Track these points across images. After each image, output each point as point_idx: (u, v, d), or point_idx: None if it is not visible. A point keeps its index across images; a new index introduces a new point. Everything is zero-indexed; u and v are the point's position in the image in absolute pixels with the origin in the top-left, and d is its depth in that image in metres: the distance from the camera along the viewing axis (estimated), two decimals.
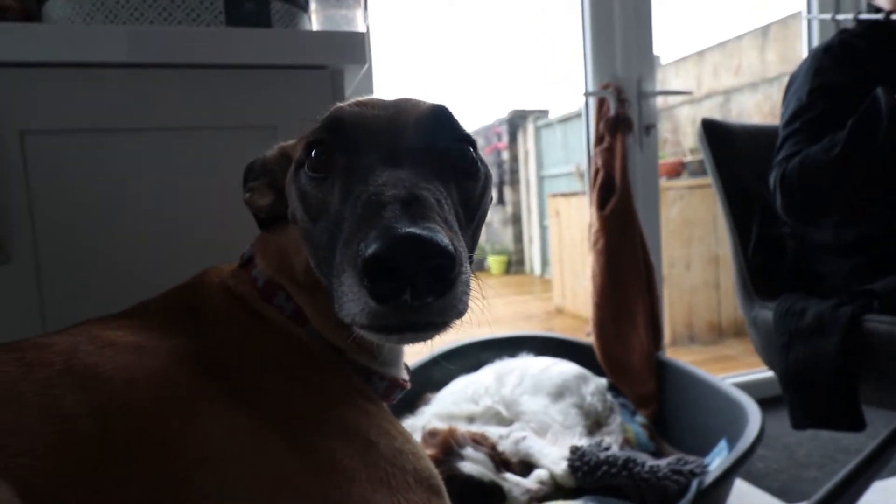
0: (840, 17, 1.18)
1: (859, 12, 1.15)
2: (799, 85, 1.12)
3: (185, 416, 0.50)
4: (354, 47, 0.91)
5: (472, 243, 0.59)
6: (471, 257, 0.57)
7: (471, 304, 0.47)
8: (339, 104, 0.58)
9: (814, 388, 0.95)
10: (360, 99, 0.59)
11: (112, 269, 0.85)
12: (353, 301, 0.42)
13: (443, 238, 0.40)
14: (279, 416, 0.53)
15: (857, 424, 0.92)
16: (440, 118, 0.56)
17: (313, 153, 0.55)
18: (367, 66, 0.96)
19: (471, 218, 0.57)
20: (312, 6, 1.07)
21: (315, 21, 1.08)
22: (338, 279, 0.45)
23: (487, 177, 0.60)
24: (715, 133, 1.31)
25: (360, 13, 1.11)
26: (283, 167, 0.65)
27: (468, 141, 0.57)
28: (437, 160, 0.53)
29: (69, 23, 0.87)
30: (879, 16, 1.10)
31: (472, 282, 0.47)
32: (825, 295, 1.04)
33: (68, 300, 0.83)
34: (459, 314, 0.45)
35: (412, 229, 0.39)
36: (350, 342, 0.59)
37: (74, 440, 0.46)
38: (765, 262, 1.19)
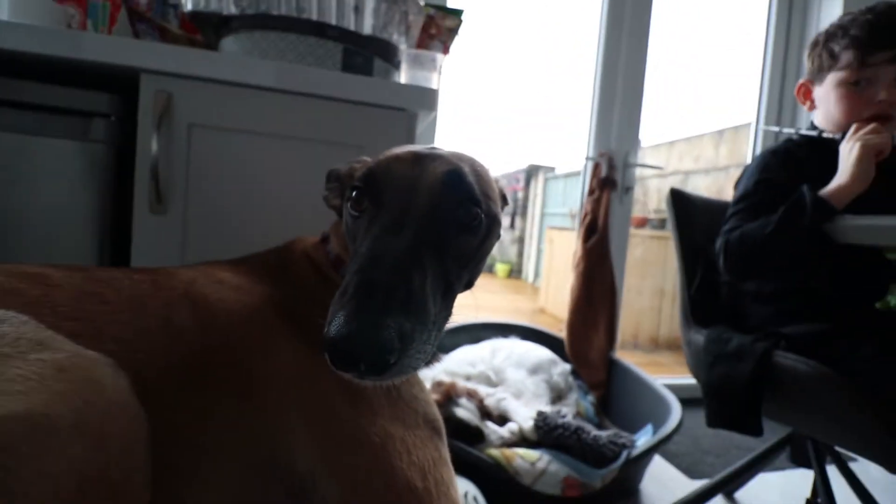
0: (785, 130, 1.12)
1: (798, 129, 1.10)
2: (749, 175, 1.08)
3: (265, 343, 0.49)
4: (428, 98, 0.90)
5: (471, 277, 0.54)
6: (469, 282, 0.54)
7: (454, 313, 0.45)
8: (382, 156, 0.53)
9: (728, 400, 0.91)
10: (403, 150, 0.53)
11: (237, 230, 0.85)
12: (324, 347, 0.38)
13: (388, 336, 0.36)
14: None
15: (756, 431, 0.87)
16: (453, 181, 0.49)
17: (354, 194, 0.51)
18: (434, 113, 0.94)
19: (465, 263, 0.50)
20: (403, 66, 1.07)
21: (404, 76, 1.08)
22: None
23: (490, 227, 0.52)
24: (679, 199, 1.27)
25: (436, 75, 1.10)
26: (349, 182, 0.61)
27: (475, 202, 0.49)
28: (441, 220, 0.47)
29: (237, 55, 0.88)
30: (815, 133, 1.05)
31: (426, 345, 0.41)
32: (746, 331, 0.99)
33: (204, 249, 0.84)
34: (406, 374, 0.40)
35: (353, 328, 0.36)
36: None
37: (181, 346, 0.45)
38: (703, 298, 1.14)
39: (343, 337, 0.36)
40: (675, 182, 4.76)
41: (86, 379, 0.33)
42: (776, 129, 1.26)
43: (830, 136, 1.02)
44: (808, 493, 1.26)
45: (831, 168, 0.93)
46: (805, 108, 1.12)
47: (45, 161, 0.75)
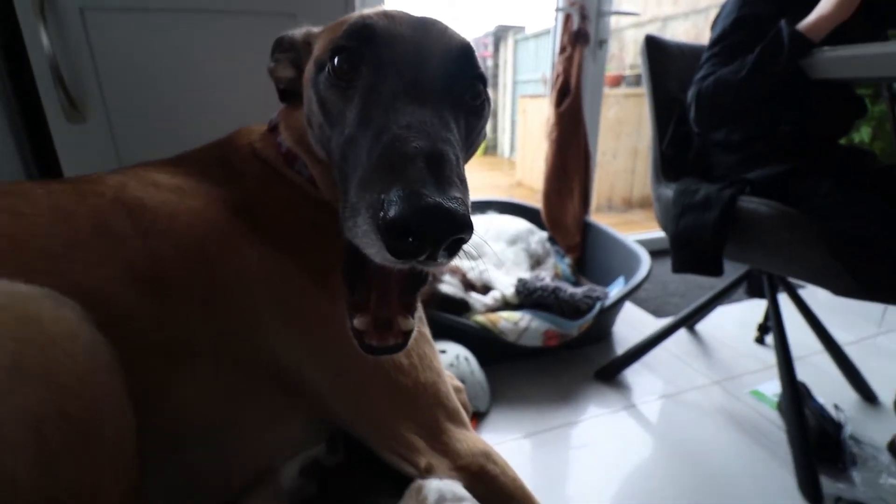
0: None
1: None
2: (726, 14, 0.97)
3: (221, 244, 0.45)
4: None
5: (466, 161, 0.48)
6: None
7: None
8: (365, 11, 0.43)
9: (693, 246, 0.93)
10: (387, 10, 0.43)
11: (171, 128, 0.76)
12: (366, 240, 0.32)
13: (465, 212, 0.30)
14: (301, 251, 0.48)
15: (718, 271, 0.92)
16: (464, 54, 0.42)
17: (337, 60, 0.41)
18: None
19: (469, 146, 0.45)
20: None
21: None
22: (352, 211, 0.33)
23: (489, 112, 0.47)
24: (654, 47, 1.17)
25: None
26: (306, 51, 0.51)
27: (482, 80, 0.44)
28: (455, 97, 0.41)
29: None
30: None
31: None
32: (714, 181, 0.98)
33: (138, 151, 0.74)
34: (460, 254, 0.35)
35: (440, 200, 0.29)
36: None
37: (125, 254, 0.41)
38: (674, 153, 1.12)
39: (420, 212, 0.28)
40: (652, 29, 4.38)
41: (19, 317, 0.30)
42: None
43: None
44: (760, 319, 1.40)
45: None
46: None
47: None
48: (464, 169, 0.38)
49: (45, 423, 0.28)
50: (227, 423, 0.46)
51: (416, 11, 0.45)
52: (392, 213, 0.29)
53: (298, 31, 0.53)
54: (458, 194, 0.31)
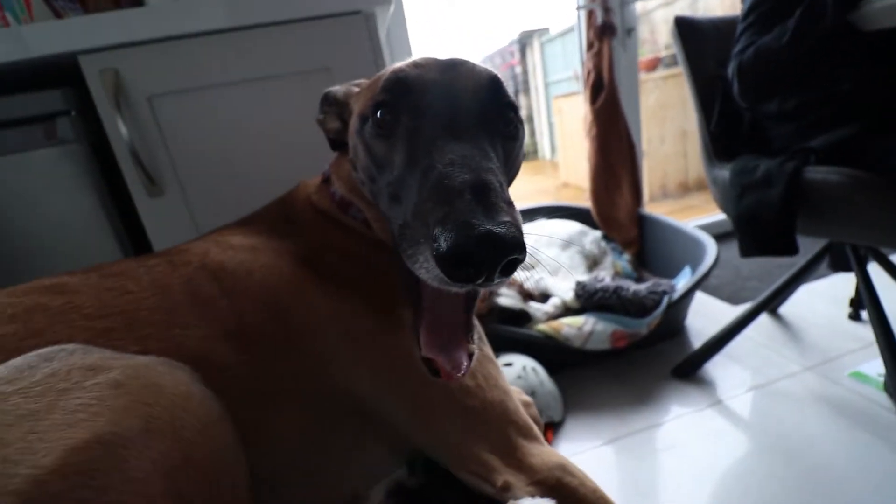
0: None
1: None
2: None
3: (291, 294, 0.50)
4: None
5: (510, 182, 0.50)
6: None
7: None
8: (397, 65, 0.47)
9: (759, 227, 0.88)
10: (416, 60, 0.48)
11: (238, 188, 0.83)
12: (425, 269, 0.35)
13: (516, 233, 0.32)
14: (362, 291, 0.52)
15: (792, 250, 0.85)
16: (492, 87, 0.45)
17: (379, 112, 0.45)
18: (392, 7, 0.84)
19: (510, 170, 0.48)
20: None
21: None
22: (409, 243, 0.36)
23: (524, 134, 0.50)
24: (686, 27, 1.12)
25: None
26: (348, 106, 0.56)
27: (513, 108, 0.47)
28: (490, 127, 0.44)
29: (172, 4, 0.76)
30: None
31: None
32: (773, 155, 0.92)
33: (215, 215, 0.81)
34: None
35: (490, 227, 0.31)
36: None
37: (214, 314, 0.46)
38: (723, 132, 1.06)
39: (473, 241, 0.31)
40: (683, 7, 4.21)
41: (143, 386, 0.35)
42: None
43: None
44: (851, 294, 1.28)
45: None
46: None
47: (28, 177, 0.74)
48: (508, 192, 0.40)
49: (177, 471, 0.32)
50: (315, 457, 0.49)
51: (444, 54, 0.49)
52: (448, 243, 0.31)
53: (340, 89, 0.58)
54: (506, 218, 0.33)
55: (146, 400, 0.34)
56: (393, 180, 0.43)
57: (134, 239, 0.84)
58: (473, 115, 0.43)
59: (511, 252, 0.32)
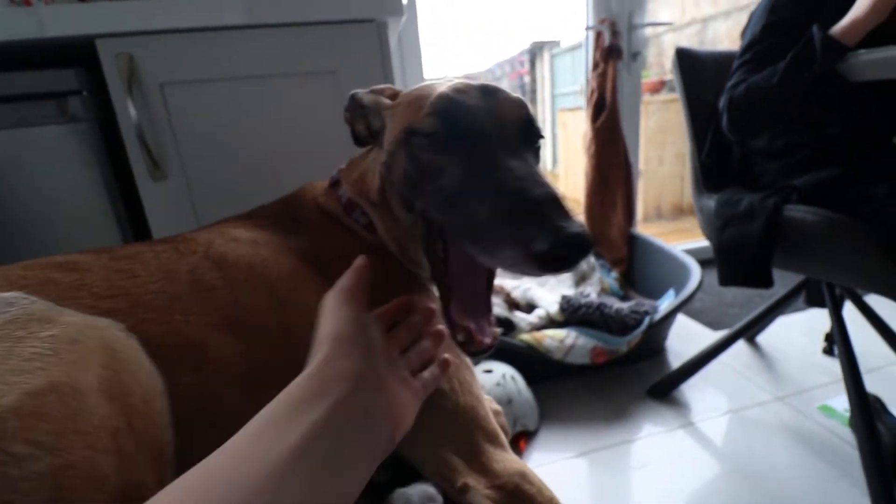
0: None
1: None
2: (756, 19, 0.96)
3: (289, 287, 0.52)
4: (393, 2, 0.82)
5: None
6: None
7: None
8: (441, 90, 0.50)
9: (738, 259, 0.91)
10: (455, 85, 0.51)
11: (240, 179, 0.85)
12: (515, 265, 0.40)
13: (590, 236, 0.39)
14: None
15: (766, 284, 0.88)
16: (527, 114, 0.50)
17: (431, 130, 0.48)
18: (404, 17, 0.86)
19: None
20: None
21: None
22: (491, 245, 0.41)
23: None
24: (686, 59, 1.16)
25: None
26: (374, 112, 0.58)
27: (540, 133, 0.52)
28: (529, 147, 0.49)
29: None
30: None
31: None
32: (757, 190, 0.96)
33: (215, 203, 0.84)
34: None
35: (577, 231, 0.38)
36: (399, 251, 0.59)
37: (215, 304, 0.48)
38: (714, 162, 1.09)
39: (569, 238, 0.37)
40: (692, 33, 4.28)
41: (98, 346, 0.37)
42: None
43: None
44: (827, 328, 1.31)
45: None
46: None
47: (36, 152, 0.76)
48: None
49: (120, 433, 0.34)
50: None
51: (476, 80, 0.53)
52: (548, 244, 0.37)
53: (367, 95, 0.59)
54: (581, 224, 0.39)
55: (100, 359, 0.36)
56: (451, 192, 0.46)
57: (132, 221, 0.86)
58: (519, 136, 0.48)
59: (590, 247, 0.39)
